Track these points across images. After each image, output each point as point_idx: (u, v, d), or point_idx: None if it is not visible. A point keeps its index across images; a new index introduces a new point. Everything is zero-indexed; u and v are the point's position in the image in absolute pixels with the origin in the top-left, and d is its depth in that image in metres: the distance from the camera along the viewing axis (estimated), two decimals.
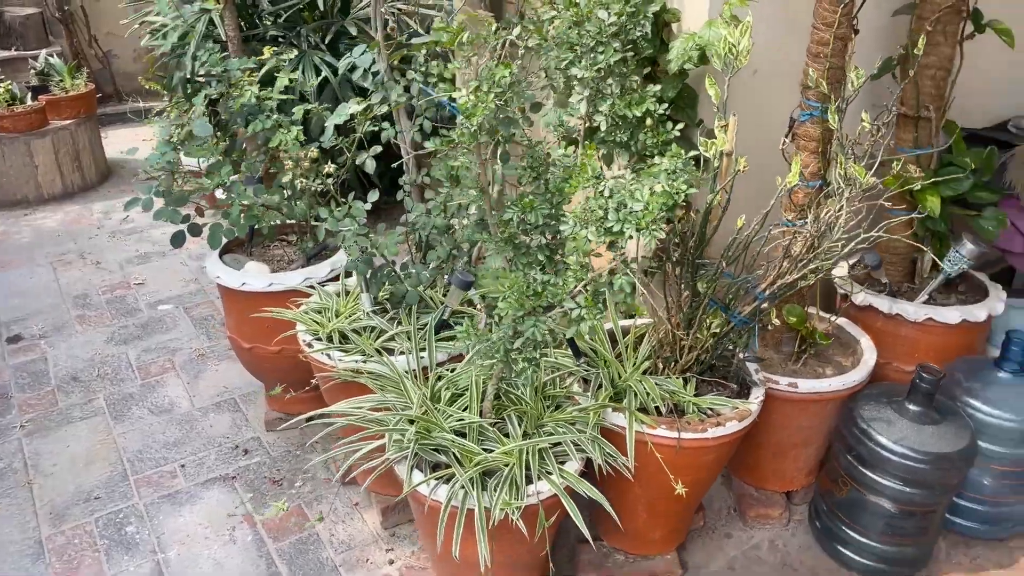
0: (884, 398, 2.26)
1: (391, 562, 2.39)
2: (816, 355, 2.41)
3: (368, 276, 2.32)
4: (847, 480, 2.31)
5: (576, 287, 1.58)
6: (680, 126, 1.73)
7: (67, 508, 2.58)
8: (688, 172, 1.58)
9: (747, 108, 2.12)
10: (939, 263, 2.57)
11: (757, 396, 2.09)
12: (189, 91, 4.30)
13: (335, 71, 3.79)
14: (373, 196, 2.26)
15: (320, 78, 3.61)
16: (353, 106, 2.62)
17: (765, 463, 2.48)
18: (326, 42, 3.98)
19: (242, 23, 4.05)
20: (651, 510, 2.15)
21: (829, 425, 2.41)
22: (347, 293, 2.53)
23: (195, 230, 2.64)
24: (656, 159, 1.62)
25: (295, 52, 3.78)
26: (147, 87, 5.41)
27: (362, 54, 2.51)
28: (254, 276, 2.61)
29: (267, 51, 2.69)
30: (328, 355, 2.22)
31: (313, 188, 2.54)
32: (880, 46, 2.57)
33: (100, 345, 3.51)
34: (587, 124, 1.78)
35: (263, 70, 2.56)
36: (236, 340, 2.79)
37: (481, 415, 1.95)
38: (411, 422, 1.93)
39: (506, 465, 1.84)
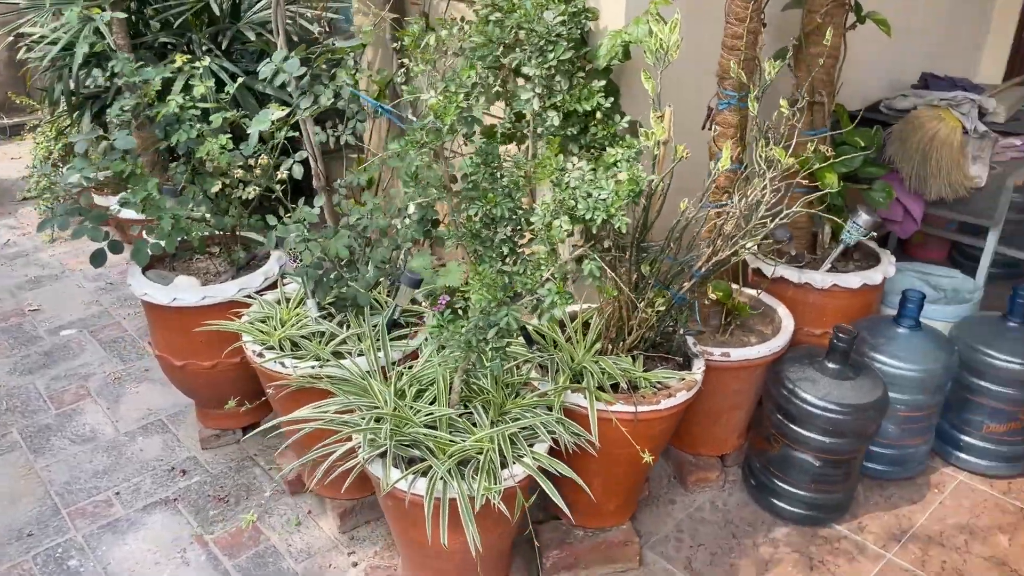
0: (806, 360, 2.47)
1: (355, 564, 2.40)
2: (740, 326, 2.60)
3: (314, 281, 2.32)
4: (778, 437, 2.51)
5: (545, 275, 1.66)
6: (628, 118, 1.84)
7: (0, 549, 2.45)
8: (638, 161, 1.70)
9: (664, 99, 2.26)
10: (837, 235, 2.82)
11: (699, 367, 2.25)
12: (73, 104, 4.09)
13: (233, 77, 3.70)
14: (320, 202, 2.25)
15: (223, 85, 3.52)
16: (276, 112, 2.60)
17: (701, 430, 2.65)
18: (222, 48, 3.87)
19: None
20: (608, 484, 2.27)
21: (756, 389, 2.61)
22: (287, 301, 2.51)
23: (116, 247, 2.54)
24: (610, 150, 1.72)
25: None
26: (18, 101, 5.10)
27: (284, 60, 2.49)
28: (185, 290, 2.55)
29: (179, 58, 2.62)
30: (282, 364, 2.21)
31: (243, 197, 2.50)
32: (773, 38, 2.78)
33: (2, 377, 3.30)
34: (534, 120, 1.86)
35: (156, 78, 2.49)
36: (166, 359, 2.70)
37: (450, 407, 2.00)
38: (378, 420, 1.96)
39: (480, 452, 1.90)
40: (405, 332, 2.38)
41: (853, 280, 2.74)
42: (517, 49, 1.86)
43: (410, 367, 2.18)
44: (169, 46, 3.98)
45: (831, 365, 2.41)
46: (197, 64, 2.64)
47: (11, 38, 4.28)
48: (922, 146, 3.09)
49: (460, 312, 1.86)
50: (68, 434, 2.96)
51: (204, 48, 3.85)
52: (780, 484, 2.55)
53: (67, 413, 3.08)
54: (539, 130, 1.85)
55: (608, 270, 1.89)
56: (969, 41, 4.32)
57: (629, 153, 1.67)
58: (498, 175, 1.84)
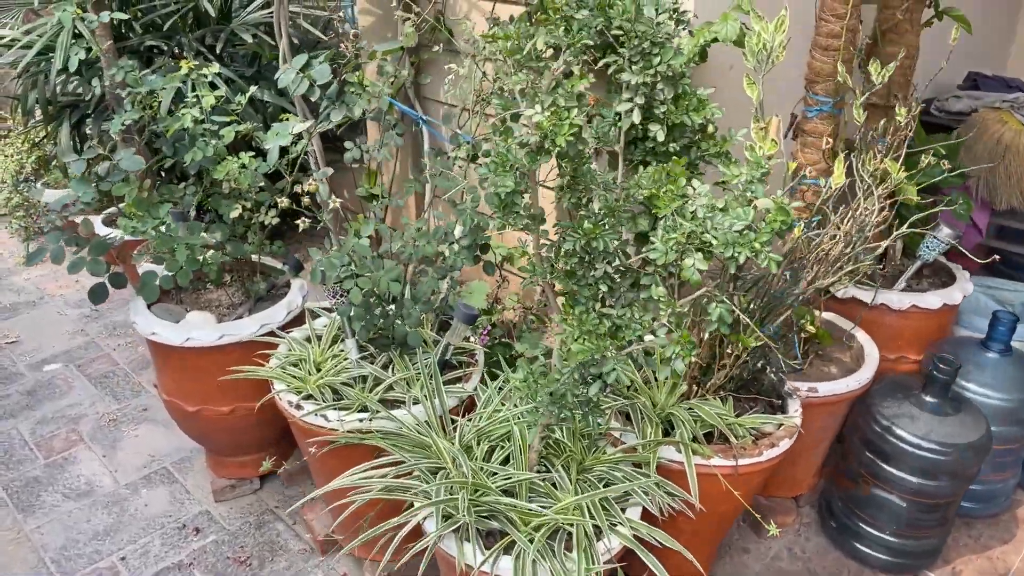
0: (899, 393, 2.24)
1: None
2: (819, 355, 2.36)
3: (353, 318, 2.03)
4: (867, 478, 2.27)
5: (664, 319, 1.39)
6: (743, 131, 1.58)
7: None
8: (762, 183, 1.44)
9: (729, 105, 2.02)
10: (911, 250, 2.59)
11: (795, 409, 2.00)
12: (50, 113, 3.73)
13: (228, 83, 3.38)
14: (368, 230, 1.96)
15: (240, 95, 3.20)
16: (297, 124, 2.30)
17: (777, 470, 2.40)
18: (216, 52, 3.55)
19: None
20: (694, 541, 2.01)
21: (839, 424, 2.37)
22: (319, 339, 2.21)
23: (119, 280, 2.23)
24: (729, 169, 1.46)
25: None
26: None
27: (305, 65, 2.20)
28: (200, 329, 2.24)
29: (185, 64, 2.31)
30: (324, 416, 1.91)
31: (264, 222, 2.20)
32: None
33: None
34: (626, 135, 1.59)
35: (145, 89, 2.18)
36: (177, 404, 2.39)
37: (529, 469, 1.73)
38: (450, 490, 1.68)
39: (570, 524, 1.63)
40: (458, 373, 2.10)
41: (933, 300, 2.51)
42: (608, 52, 1.59)
43: (469, 417, 1.91)
44: (155, 50, 3.65)
45: (929, 399, 2.17)
46: (205, 71, 2.33)
47: None
48: (989, 152, 2.88)
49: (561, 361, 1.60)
50: (61, 488, 2.62)
51: (193, 52, 3.53)
52: (867, 528, 2.32)
53: (58, 463, 2.74)
54: (639, 147, 1.59)
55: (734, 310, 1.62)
56: (1000, 37, 4.15)
57: (756, 174, 1.41)
58: (584, 200, 1.57)
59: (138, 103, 2.13)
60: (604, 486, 1.75)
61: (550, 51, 1.61)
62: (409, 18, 2.92)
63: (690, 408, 1.89)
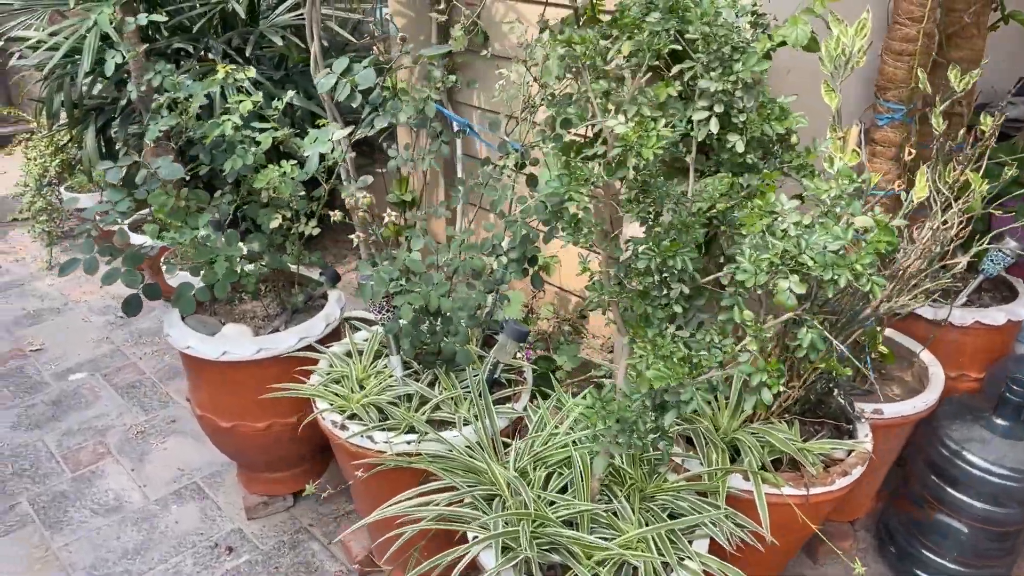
0: (968, 414, 2.13)
1: None
2: (881, 375, 2.25)
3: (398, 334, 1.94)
4: (931, 503, 2.16)
5: (751, 346, 1.30)
6: (828, 141, 1.49)
7: None
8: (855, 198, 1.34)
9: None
10: (976, 264, 2.48)
11: (865, 433, 1.89)
12: (75, 116, 3.66)
13: (257, 85, 3.30)
14: (418, 244, 1.87)
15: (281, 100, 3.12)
16: (337, 130, 2.22)
17: None
18: (245, 55, 3.47)
19: None
20: (759, 570, 1.91)
21: (901, 446, 2.26)
22: (360, 354, 2.12)
23: (153, 292, 2.14)
24: (815, 184, 1.36)
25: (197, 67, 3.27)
26: (6, 112, 4.65)
27: (347, 69, 2.11)
28: (237, 342, 2.16)
29: (221, 68, 2.22)
30: (370, 438, 1.82)
31: (305, 232, 2.12)
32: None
33: (4, 432, 2.88)
34: (696, 146, 1.50)
35: (165, 97, 2.09)
36: (211, 419, 2.31)
37: (592, 499, 1.63)
38: (508, 522, 1.59)
39: (637, 558, 1.53)
40: (507, 392, 2.00)
41: (997, 316, 2.40)
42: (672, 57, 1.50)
43: (522, 440, 1.81)
44: (182, 52, 3.58)
45: (1001, 422, 2.07)
46: (241, 75, 2.25)
47: (1, 43, 3.84)
48: None
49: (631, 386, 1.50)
50: (89, 503, 2.55)
51: (220, 54, 3.45)
52: (928, 555, 2.21)
53: (85, 477, 2.66)
54: (715, 159, 1.49)
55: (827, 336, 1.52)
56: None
57: (847, 188, 1.32)
58: (654, 214, 1.47)
59: (175, 109, 2.05)
60: (668, 516, 1.65)
61: (619, 57, 1.51)
62: (445, 20, 2.84)
63: (755, 432, 1.79)
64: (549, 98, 2.06)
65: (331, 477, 2.60)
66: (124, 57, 2.40)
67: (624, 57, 1.28)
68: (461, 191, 2.10)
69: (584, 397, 1.47)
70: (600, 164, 1.29)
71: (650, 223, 1.46)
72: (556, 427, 1.78)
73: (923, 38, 1.84)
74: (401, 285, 1.74)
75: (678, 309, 1.43)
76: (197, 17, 3.45)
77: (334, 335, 2.33)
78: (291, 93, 2.35)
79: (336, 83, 2.14)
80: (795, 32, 1.77)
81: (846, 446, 1.83)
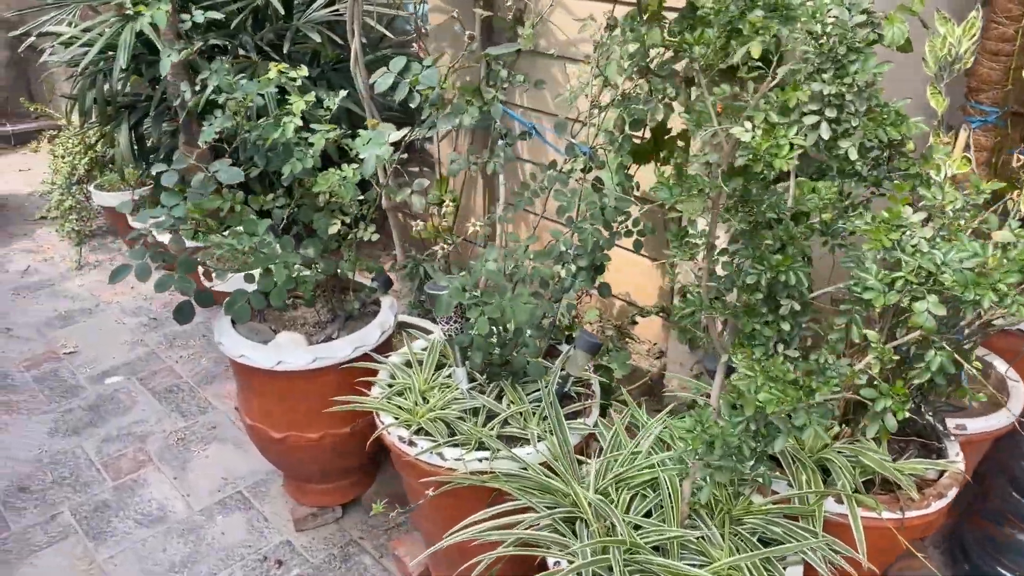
0: None
1: None
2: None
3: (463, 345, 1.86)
4: (1013, 522, 2.08)
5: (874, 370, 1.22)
6: (943, 148, 1.40)
7: None
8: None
9: None
10: None
11: (956, 452, 1.81)
12: (108, 114, 3.59)
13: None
14: (493, 253, 1.79)
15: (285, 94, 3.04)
16: (393, 132, 2.14)
17: None
18: (282, 51, 3.39)
19: None
20: None
21: (978, 462, 2.18)
22: (419, 364, 2.05)
23: (205, 299, 2.07)
24: (933, 192, 1.28)
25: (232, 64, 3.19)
26: (34, 109, 4.58)
27: (404, 68, 2.03)
28: (292, 351, 2.08)
29: (275, 68, 2.14)
30: (440, 455, 1.75)
31: (363, 237, 2.04)
32: None
33: (42, 438, 2.82)
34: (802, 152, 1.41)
35: (206, 93, 2.00)
36: (262, 430, 2.23)
37: (681, 524, 1.55)
38: (603, 549, 1.51)
39: None
40: (576, 407, 1.92)
41: None
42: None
43: (596, 459, 1.73)
44: (217, 48, 3.50)
45: None
46: (294, 74, 2.16)
47: (33, 38, 3.77)
48: None
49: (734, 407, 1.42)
50: (132, 513, 2.48)
51: (255, 51, 3.37)
52: (1007, 574, 2.13)
53: (127, 485, 2.60)
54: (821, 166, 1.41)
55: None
56: None
57: (976, 199, 1.23)
58: (755, 223, 1.39)
59: (227, 109, 1.97)
60: (758, 540, 1.57)
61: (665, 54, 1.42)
62: (489, 15, 2.75)
63: (844, 452, 1.71)
64: (619, 99, 1.99)
65: (380, 488, 2.53)
66: (179, 56, 2.32)
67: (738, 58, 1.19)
68: (526, 194, 2.02)
69: (683, 418, 1.39)
70: (706, 171, 1.21)
71: (747, 232, 1.37)
72: (637, 446, 1.70)
73: (1021, 39, 1.74)
74: (475, 296, 1.66)
75: (786, 327, 1.35)
76: (234, 13, 3.37)
77: (386, 343, 2.25)
78: (343, 93, 2.27)
79: (395, 83, 2.06)
80: (891, 31, 1.68)
81: (938, 466, 1.75)
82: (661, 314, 2.95)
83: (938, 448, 1.84)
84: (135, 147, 3.68)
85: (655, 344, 3.22)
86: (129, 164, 3.62)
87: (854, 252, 1.39)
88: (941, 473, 1.76)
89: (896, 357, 1.24)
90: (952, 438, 1.85)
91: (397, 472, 2.44)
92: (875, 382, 1.23)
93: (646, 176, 2.23)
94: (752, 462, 1.36)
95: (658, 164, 2.52)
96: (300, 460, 2.30)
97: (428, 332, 2.80)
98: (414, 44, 3.67)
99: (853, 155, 1.35)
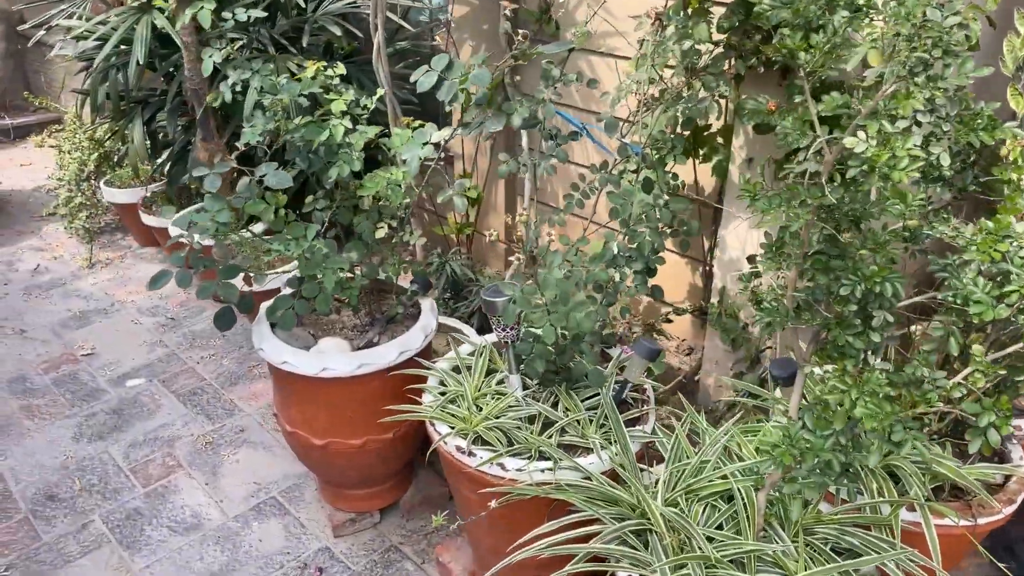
0: None
1: None
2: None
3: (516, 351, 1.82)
4: None
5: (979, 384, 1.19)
6: None
7: None
8: None
9: None
10: None
11: (1019, 455, 1.79)
12: (121, 109, 3.52)
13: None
14: (557, 260, 1.74)
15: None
16: (434, 132, 2.09)
17: None
18: (300, 44, 3.32)
19: None
20: None
21: None
22: (468, 370, 2.01)
23: (247, 305, 2.02)
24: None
25: (252, 57, 3.12)
26: (37, 103, 4.49)
27: (448, 66, 1.97)
28: (336, 357, 2.04)
29: (311, 65, 2.09)
30: (501, 465, 1.71)
31: (409, 241, 2.00)
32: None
33: (67, 444, 2.76)
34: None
35: (286, 96, 1.93)
36: (303, 437, 2.19)
37: (756, 536, 1.53)
38: (681, 567, 1.48)
39: None
40: (633, 413, 1.89)
41: None
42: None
43: (669, 469, 1.70)
44: (236, 43, 3.43)
45: None
46: (331, 72, 2.11)
47: (44, 32, 3.68)
48: None
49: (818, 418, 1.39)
50: (165, 521, 2.44)
51: (273, 44, 3.30)
52: None
53: (158, 492, 2.55)
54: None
55: None
56: None
57: None
58: (841, 228, 1.35)
59: (274, 112, 1.91)
60: (831, 550, 1.55)
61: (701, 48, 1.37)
62: (516, 8, 2.69)
63: (912, 457, 1.69)
64: (673, 97, 1.95)
65: (416, 491, 2.49)
66: (220, 55, 2.25)
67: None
68: (576, 195, 1.98)
69: (764, 434, 1.36)
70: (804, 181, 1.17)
71: (831, 239, 1.34)
72: (705, 455, 1.67)
73: None
74: (541, 305, 1.62)
75: (876, 338, 1.31)
76: (250, 6, 3.30)
77: (428, 347, 2.21)
78: (380, 91, 2.21)
79: (440, 83, 2.01)
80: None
81: (1004, 470, 1.73)
82: (696, 313, 2.93)
83: (1000, 451, 1.82)
84: (148, 143, 3.61)
85: (683, 340, 3.20)
86: (143, 160, 3.55)
87: (945, 261, 1.36)
88: (1006, 477, 1.74)
89: (1002, 372, 1.21)
90: (1014, 441, 1.83)
91: (434, 474, 2.41)
92: (978, 397, 1.20)
93: (683, 173, 2.19)
94: (842, 477, 1.33)
95: (697, 161, 2.49)
96: (341, 466, 2.26)
97: (457, 331, 2.76)
98: (434, 36, 3.61)
99: (945, 161, 1.32)
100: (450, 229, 3.26)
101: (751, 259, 2.31)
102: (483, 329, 2.92)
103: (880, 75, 1.15)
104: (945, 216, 1.43)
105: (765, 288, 1.47)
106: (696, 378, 2.83)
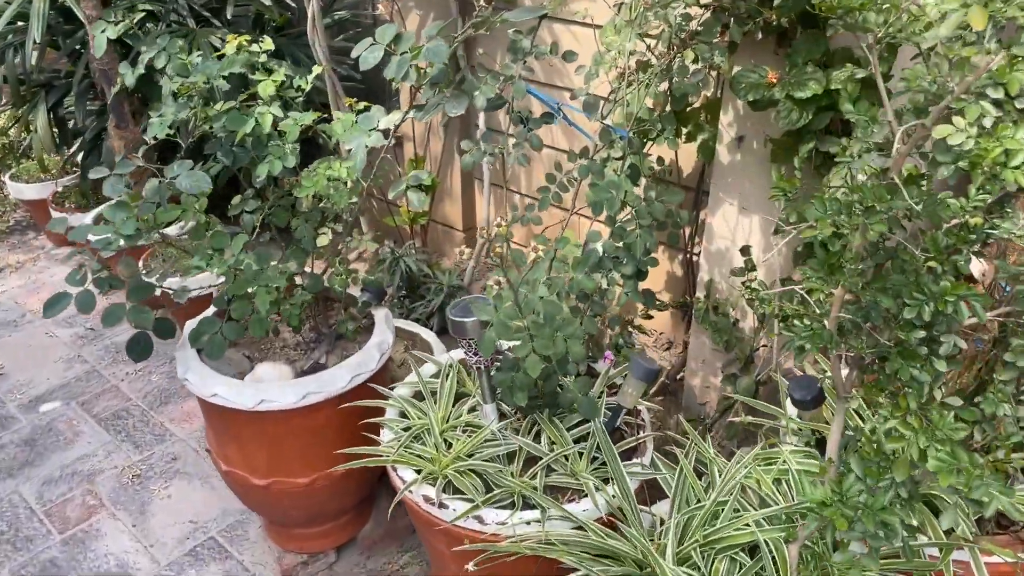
0: None
1: None
2: None
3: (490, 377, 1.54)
4: None
5: None
6: None
7: None
8: None
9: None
10: None
11: None
12: (22, 94, 3.10)
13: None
14: (540, 272, 1.45)
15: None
16: (383, 116, 1.78)
17: None
18: (224, 16, 2.95)
19: None
20: None
21: None
22: (433, 395, 1.72)
23: (166, 330, 1.70)
24: None
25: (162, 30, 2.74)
26: None
27: (396, 38, 1.66)
28: (276, 387, 1.73)
29: (232, 40, 1.75)
30: (478, 518, 1.44)
31: (362, 247, 1.69)
32: None
33: None
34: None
35: (200, 78, 1.59)
36: (240, 476, 1.88)
37: None
38: None
39: None
40: (629, 443, 1.63)
41: None
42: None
43: (677, 517, 1.45)
44: (147, 15, 3.03)
45: None
46: (257, 47, 1.78)
47: None
48: None
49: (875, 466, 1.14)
50: (86, 573, 2.11)
51: (193, 16, 2.93)
52: None
53: (77, 538, 2.22)
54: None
55: None
56: None
57: None
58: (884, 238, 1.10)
59: (189, 97, 1.57)
60: None
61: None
62: None
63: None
64: (662, 70, 1.67)
65: (377, 523, 2.21)
66: (116, 31, 1.89)
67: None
68: (553, 188, 1.69)
69: (811, 489, 1.11)
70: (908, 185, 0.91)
71: (884, 250, 1.08)
72: (719, 495, 1.42)
73: None
74: (522, 329, 1.33)
75: (943, 367, 1.07)
76: None
77: (385, 366, 1.92)
78: (317, 69, 1.88)
79: (387, 58, 1.69)
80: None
81: None
82: (677, 306, 2.68)
83: None
84: (56, 131, 3.21)
85: (661, 334, 2.95)
86: (49, 151, 3.15)
87: (1018, 268, 1.11)
88: None
89: None
90: None
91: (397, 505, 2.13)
92: None
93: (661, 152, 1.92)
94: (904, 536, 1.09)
95: (680, 140, 2.22)
96: (287, 506, 1.96)
97: (414, 335, 2.47)
98: (376, 4, 3.26)
99: None
100: (402, 220, 2.95)
101: (744, 251, 2.06)
102: (444, 331, 2.64)
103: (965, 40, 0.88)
104: (1008, 211, 1.18)
105: (764, 284, 1.22)
106: (679, 376, 2.59)
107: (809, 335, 1.16)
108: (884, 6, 0.86)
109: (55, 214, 3.35)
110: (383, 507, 2.21)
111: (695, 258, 2.54)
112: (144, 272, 2.09)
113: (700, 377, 2.44)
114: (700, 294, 2.30)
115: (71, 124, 3.27)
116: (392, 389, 1.75)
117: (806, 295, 1.07)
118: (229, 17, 2.91)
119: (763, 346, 2.20)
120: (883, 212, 0.89)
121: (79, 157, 3.26)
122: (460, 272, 2.80)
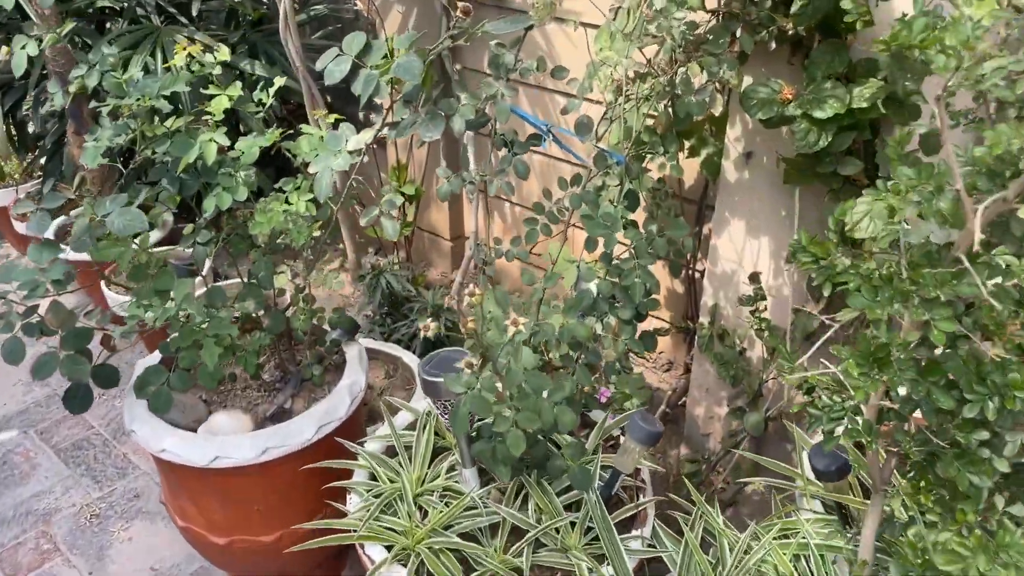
0: None
1: None
2: None
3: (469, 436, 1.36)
4: None
5: None
6: None
7: None
8: None
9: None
10: None
11: None
12: None
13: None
14: (524, 336, 1.26)
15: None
16: (352, 136, 1.59)
17: None
18: (190, 13, 2.74)
19: None
20: None
21: None
22: (407, 450, 1.54)
23: (109, 379, 1.51)
24: None
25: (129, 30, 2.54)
26: None
27: (365, 49, 1.46)
28: (233, 441, 1.55)
29: (181, 49, 1.55)
30: None
31: (330, 287, 1.51)
32: None
33: None
34: None
35: (134, 99, 1.39)
36: (198, 533, 1.71)
37: None
38: None
39: None
40: (627, 511, 1.45)
41: None
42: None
43: None
44: (107, 12, 2.83)
45: None
46: (211, 57, 1.57)
47: None
48: None
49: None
50: None
51: (158, 13, 2.72)
52: None
53: None
54: None
55: None
56: None
57: None
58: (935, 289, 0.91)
59: (133, 115, 1.38)
60: None
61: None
62: None
63: None
64: (665, 86, 1.48)
65: (352, 572, 2.04)
66: (42, 44, 1.68)
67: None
68: (540, 220, 1.50)
69: None
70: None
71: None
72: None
73: None
74: (503, 401, 1.15)
75: (1004, 468, 0.89)
76: None
77: (357, 412, 1.74)
78: (280, 81, 1.68)
79: (355, 72, 1.49)
80: None
81: None
82: (678, 329, 2.50)
83: None
84: (15, 136, 3.01)
85: (661, 353, 2.77)
86: (5, 156, 2.94)
87: None
88: None
89: None
90: None
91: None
92: None
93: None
94: None
95: (682, 155, 2.03)
96: (250, 564, 1.79)
97: (396, 359, 2.30)
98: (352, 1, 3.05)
99: None
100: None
101: (753, 278, 1.88)
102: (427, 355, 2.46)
103: None
104: None
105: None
106: (681, 403, 2.42)
107: (840, 415, 0.98)
108: (953, 46, 0.67)
109: (16, 224, 3.14)
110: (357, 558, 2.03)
111: (695, 275, 2.36)
112: (87, 309, 1.90)
113: (703, 407, 2.26)
114: (704, 319, 2.11)
115: (33, 129, 3.06)
116: (363, 444, 1.56)
117: (843, 380, 0.89)
118: (194, 14, 2.70)
119: (773, 378, 2.02)
120: (949, 305, 0.71)
121: (42, 162, 3.06)
122: (448, 283, 2.61)
